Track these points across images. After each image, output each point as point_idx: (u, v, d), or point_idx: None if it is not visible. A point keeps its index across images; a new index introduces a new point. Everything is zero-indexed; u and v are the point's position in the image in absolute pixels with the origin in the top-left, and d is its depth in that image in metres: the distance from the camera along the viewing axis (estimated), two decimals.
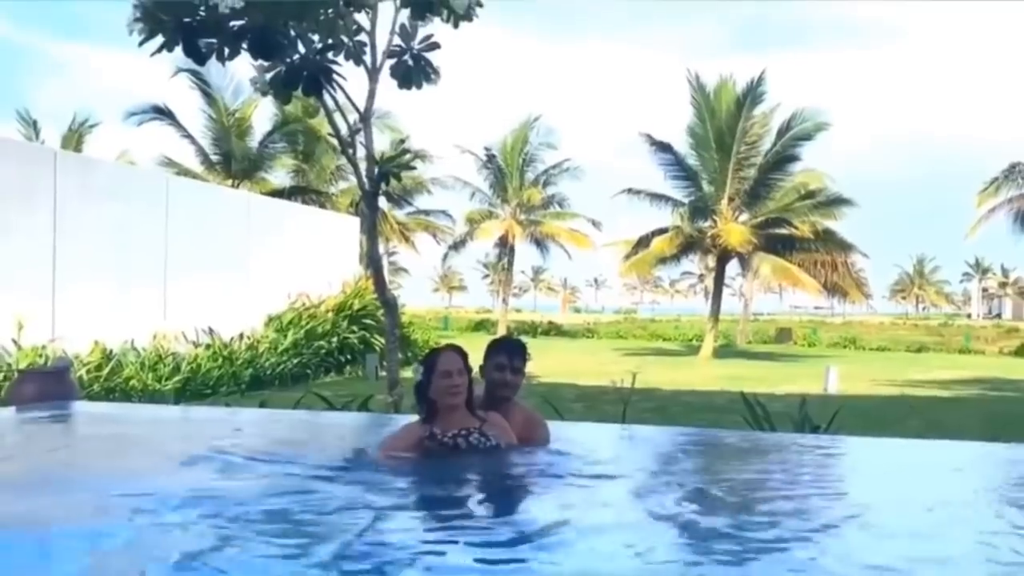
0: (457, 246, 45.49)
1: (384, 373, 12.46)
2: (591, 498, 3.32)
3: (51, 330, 11.41)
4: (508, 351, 4.14)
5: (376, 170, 10.32)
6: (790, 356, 32.49)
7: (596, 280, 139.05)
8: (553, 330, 45.85)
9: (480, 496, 3.49)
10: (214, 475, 3.61)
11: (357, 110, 10.86)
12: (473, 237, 45.40)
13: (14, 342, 10.89)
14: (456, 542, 2.72)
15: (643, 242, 30.75)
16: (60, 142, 31.04)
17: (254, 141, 27.64)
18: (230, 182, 26.01)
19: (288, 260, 16.79)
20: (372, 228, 10.61)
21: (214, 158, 27.19)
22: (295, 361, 15.31)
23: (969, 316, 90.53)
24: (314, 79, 9.71)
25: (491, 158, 43.27)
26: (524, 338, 36.88)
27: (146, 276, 13.33)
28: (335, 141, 11.24)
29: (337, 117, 11.26)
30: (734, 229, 28.71)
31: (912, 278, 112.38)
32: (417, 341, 21.39)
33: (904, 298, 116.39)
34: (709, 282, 31.23)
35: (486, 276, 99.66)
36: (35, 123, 31.01)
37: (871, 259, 41.83)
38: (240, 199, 17.07)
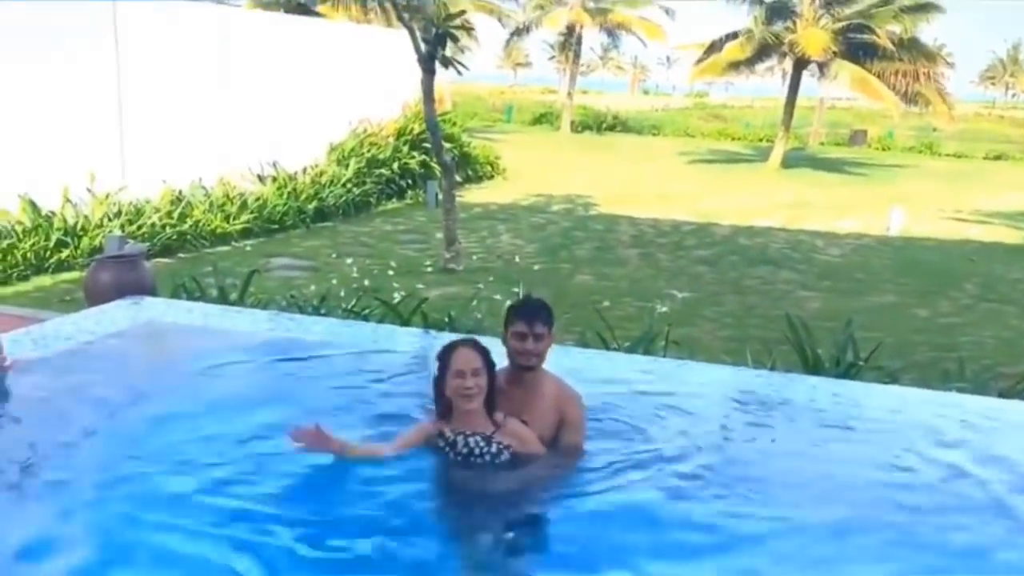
0: (520, 32, 44.06)
1: (442, 196, 12.71)
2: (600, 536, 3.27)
3: (121, 176, 11.75)
4: (528, 317, 3.66)
5: (434, 31, 10.04)
6: (861, 166, 31.66)
7: (668, 58, 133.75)
8: (618, 125, 44.84)
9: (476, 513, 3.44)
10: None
11: None
12: (539, 25, 43.75)
13: (89, 191, 11.30)
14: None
15: (715, 46, 29.41)
16: None
17: None
18: None
19: (348, 85, 16.60)
20: (429, 93, 10.43)
21: None
22: (357, 191, 15.51)
23: None
24: None
25: None
26: (587, 134, 36.43)
27: (210, 115, 13.38)
28: None
29: None
30: (814, 35, 27.15)
31: (1005, 64, 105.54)
32: (478, 157, 21.37)
33: (994, 84, 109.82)
34: (787, 64, 29.84)
35: (552, 57, 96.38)
36: None
37: (960, 48, 39.16)
38: (299, 26, 16.65)
